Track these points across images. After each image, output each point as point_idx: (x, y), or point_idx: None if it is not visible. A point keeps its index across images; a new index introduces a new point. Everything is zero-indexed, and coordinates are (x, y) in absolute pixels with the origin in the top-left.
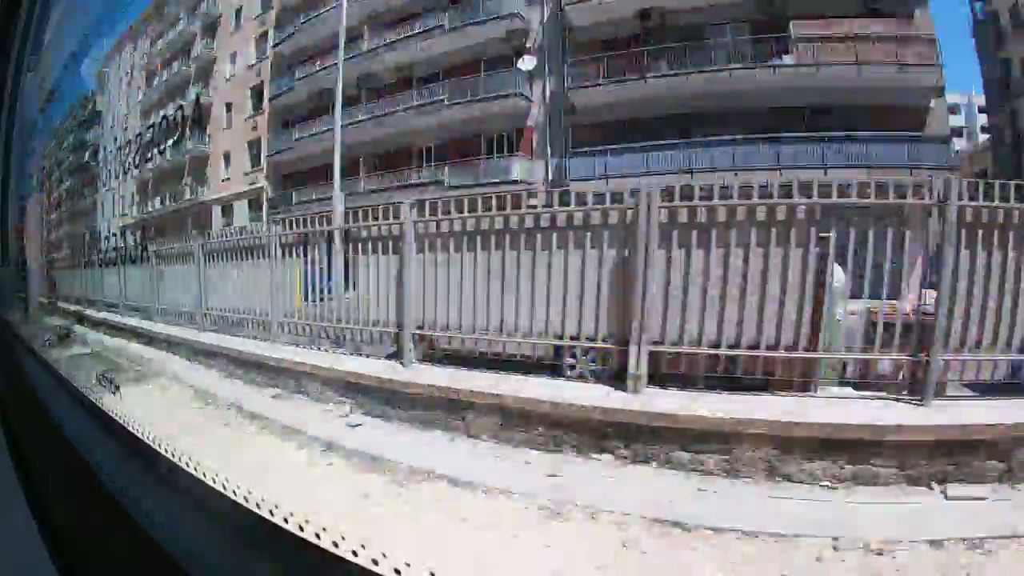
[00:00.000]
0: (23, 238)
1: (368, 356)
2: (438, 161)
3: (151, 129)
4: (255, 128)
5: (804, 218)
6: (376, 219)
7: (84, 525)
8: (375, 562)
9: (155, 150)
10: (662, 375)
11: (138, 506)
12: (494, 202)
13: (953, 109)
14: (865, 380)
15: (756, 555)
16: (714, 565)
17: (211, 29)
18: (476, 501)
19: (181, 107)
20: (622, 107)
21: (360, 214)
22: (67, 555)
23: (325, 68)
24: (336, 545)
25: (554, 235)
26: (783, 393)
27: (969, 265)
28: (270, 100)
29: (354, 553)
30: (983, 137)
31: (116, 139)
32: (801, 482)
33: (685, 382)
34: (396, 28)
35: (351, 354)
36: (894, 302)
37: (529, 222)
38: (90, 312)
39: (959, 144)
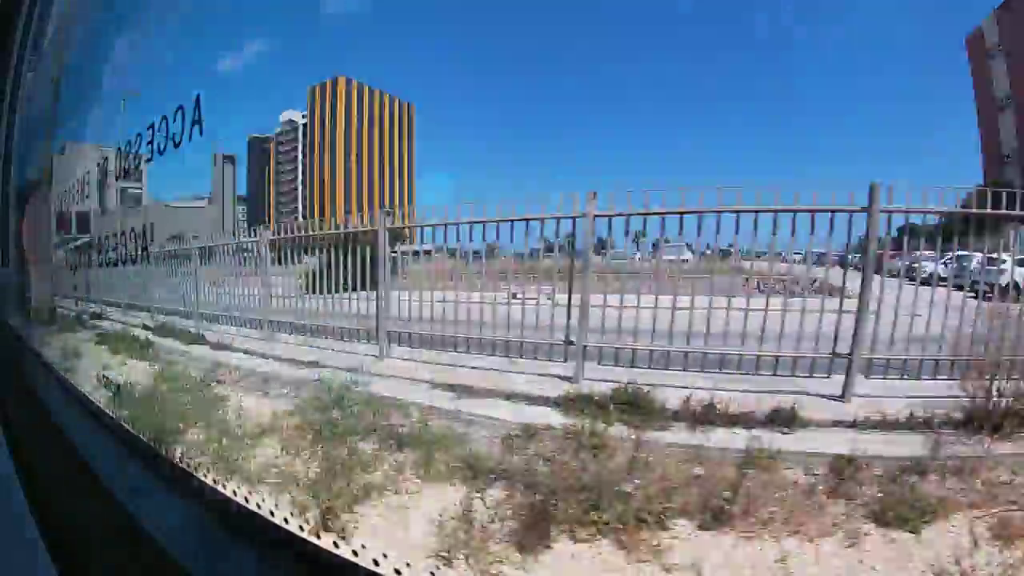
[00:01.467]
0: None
1: None
2: None
3: None
4: None
5: None
6: None
7: (84, 525)
8: (376, 563)
9: None
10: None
11: (138, 506)
12: None
13: None
14: None
15: None
16: None
17: None
18: None
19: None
20: None
21: None
22: (67, 554)
23: None
24: (336, 545)
25: None
26: None
27: None
28: None
29: (354, 553)
30: None
31: None
32: None
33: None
34: None
35: None
36: None
37: None
38: None
39: None
